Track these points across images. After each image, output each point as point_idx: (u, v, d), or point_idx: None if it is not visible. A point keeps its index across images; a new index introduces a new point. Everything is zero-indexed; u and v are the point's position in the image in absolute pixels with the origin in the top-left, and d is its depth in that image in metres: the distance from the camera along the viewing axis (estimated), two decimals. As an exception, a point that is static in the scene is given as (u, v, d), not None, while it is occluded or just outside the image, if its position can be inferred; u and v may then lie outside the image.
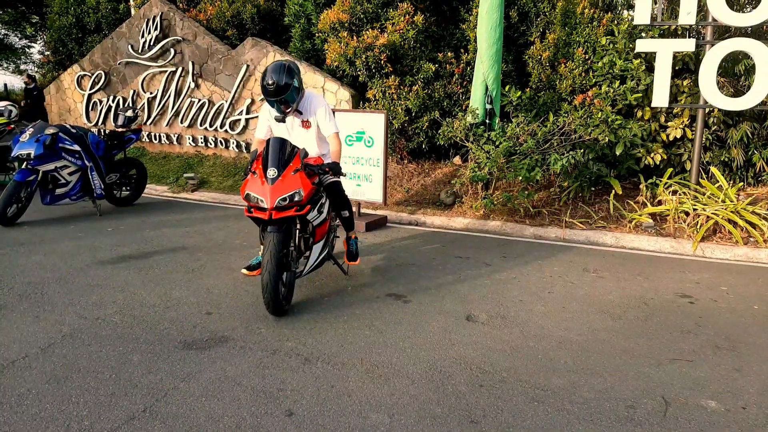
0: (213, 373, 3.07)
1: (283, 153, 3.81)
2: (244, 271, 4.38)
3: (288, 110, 4.10)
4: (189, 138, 9.93)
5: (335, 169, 4.00)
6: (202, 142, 9.77)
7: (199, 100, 9.68)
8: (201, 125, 9.68)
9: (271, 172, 3.71)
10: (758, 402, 2.87)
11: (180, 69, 9.87)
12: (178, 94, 9.96)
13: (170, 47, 9.93)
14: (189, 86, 9.79)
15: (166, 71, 10.04)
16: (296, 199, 3.71)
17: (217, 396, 2.85)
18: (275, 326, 3.69)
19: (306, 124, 4.28)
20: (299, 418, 2.67)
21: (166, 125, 10.18)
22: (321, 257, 4.29)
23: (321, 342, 3.47)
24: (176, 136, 10.12)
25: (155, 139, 10.38)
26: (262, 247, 4.14)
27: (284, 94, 3.98)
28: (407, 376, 3.08)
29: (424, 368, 3.17)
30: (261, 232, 4.02)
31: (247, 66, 9.04)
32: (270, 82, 3.93)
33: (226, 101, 9.31)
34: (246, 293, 4.28)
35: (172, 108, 10.02)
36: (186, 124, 9.87)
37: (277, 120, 4.16)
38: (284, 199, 3.67)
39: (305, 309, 3.99)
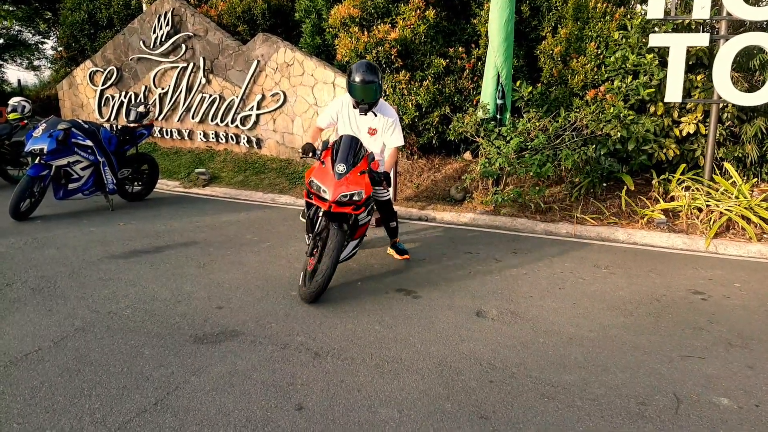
0: (223, 367, 3.09)
1: (353, 151, 4.00)
2: (303, 220, 4.81)
3: (366, 106, 4.45)
4: (200, 133, 9.97)
5: (387, 179, 4.35)
6: (213, 138, 9.81)
7: (210, 96, 9.71)
8: (212, 121, 9.71)
9: (340, 167, 3.89)
10: (772, 400, 2.84)
11: (191, 64, 9.90)
12: (189, 89, 10.00)
13: (181, 43, 9.96)
14: (200, 82, 9.82)
15: (177, 67, 10.07)
16: (355, 198, 3.89)
17: (227, 390, 2.87)
18: (285, 321, 3.70)
19: (372, 131, 4.58)
20: (309, 413, 2.68)
21: (178, 121, 10.23)
22: (353, 252, 4.57)
23: (331, 337, 3.48)
24: (187, 131, 10.16)
25: (167, 134, 10.43)
26: (306, 236, 4.44)
27: (372, 84, 4.36)
28: (417, 371, 3.08)
29: (434, 363, 3.17)
30: (308, 219, 4.32)
31: (258, 61, 9.05)
32: (359, 79, 4.31)
33: (237, 97, 9.33)
34: (256, 288, 4.30)
35: (184, 103, 10.06)
36: (197, 119, 9.91)
37: (363, 112, 4.47)
38: (345, 196, 3.85)
39: (315, 304, 4.00)
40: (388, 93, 7.79)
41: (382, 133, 4.59)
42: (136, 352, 3.26)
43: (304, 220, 4.80)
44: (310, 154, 4.16)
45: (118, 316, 3.77)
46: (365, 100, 4.41)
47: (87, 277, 4.53)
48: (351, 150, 3.99)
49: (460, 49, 7.70)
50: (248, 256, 5.11)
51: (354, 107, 4.50)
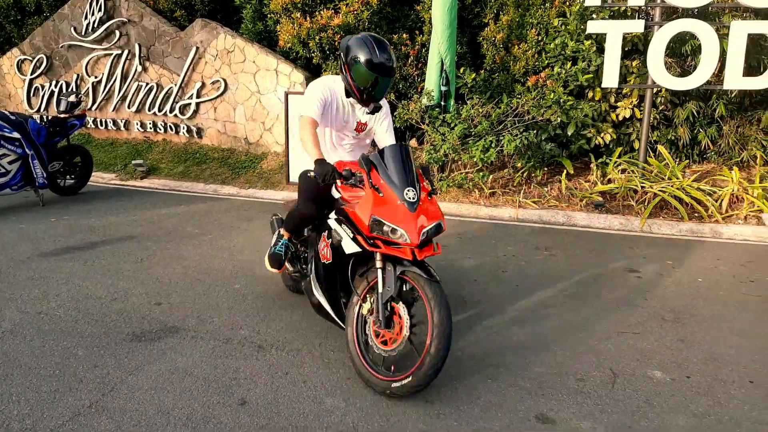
0: (163, 365, 2.99)
1: (410, 166, 2.85)
2: (274, 270, 3.60)
3: (379, 105, 3.21)
4: (137, 123, 9.59)
5: None
6: (150, 128, 9.46)
7: (147, 84, 9.35)
8: (149, 110, 9.36)
9: (411, 193, 2.73)
10: (701, 371, 2.98)
11: (126, 52, 9.50)
12: (124, 77, 9.60)
13: (115, 29, 9.54)
14: (136, 69, 9.44)
15: (111, 54, 9.65)
16: (434, 231, 2.77)
17: (166, 388, 2.77)
18: (228, 315, 3.61)
19: (362, 126, 3.31)
20: (252, 407, 2.63)
21: (113, 110, 9.81)
22: None
23: (275, 329, 3.42)
24: (123, 121, 9.76)
25: (101, 124, 9.99)
26: (324, 299, 3.11)
27: (393, 76, 3.13)
28: (363, 359, 3.07)
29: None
30: (329, 274, 3.06)
31: (197, 48, 8.76)
32: (375, 61, 2.94)
33: (176, 85, 9.02)
34: (198, 282, 4.17)
35: (119, 92, 9.65)
36: (133, 108, 9.53)
37: (373, 112, 3.19)
38: (425, 233, 2.70)
39: (260, 297, 3.93)
40: (332, 80, 7.69)
41: (373, 128, 3.34)
42: (69, 353, 3.11)
43: (270, 272, 3.59)
44: (339, 181, 2.81)
45: (49, 316, 3.59)
46: (376, 96, 3.09)
47: (15, 276, 4.29)
48: (408, 164, 2.84)
49: (404, 35, 7.67)
50: (189, 250, 4.96)
51: (347, 96, 3.19)
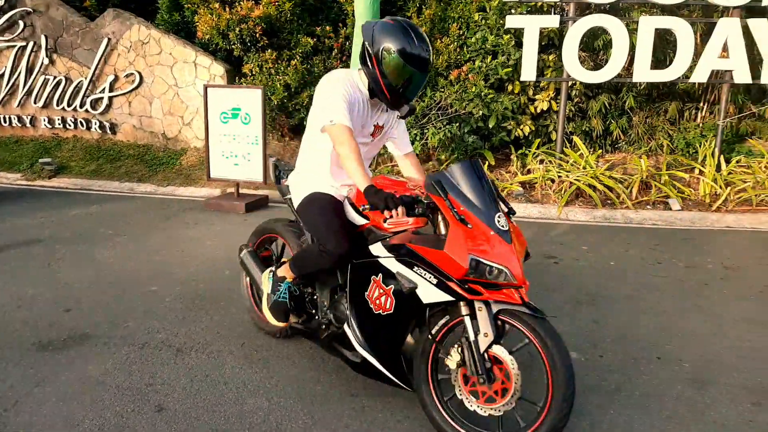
0: (72, 375, 2.82)
1: (489, 185, 2.33)
2: (281, 324, 2.96)
3: (414, 106, 2.73)
4: (44, 119, 8.99)
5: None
6: (59, 124, 8.89)
7: (55, 78, 8.77)
8: (58, 105, 8.79)
9: (502, 220, 2.24)
10: (613, 350, 3.14)
11: (31, 43, 8.87)
12: (29, 71, 8.96)
13: (18, 19, 8.90)
14: (42, 62, 8.83)
15: (15, 46, 8.98)
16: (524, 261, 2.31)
17: (76, 399, 2.62)
18: (144, 319, 3.45)
19: (378, 129, 2.76)
20: (170, 413, 2.52)
21: (17, 106, 9.14)
22: None
23: (195, 331, 3.30)
24: (29, 117, 9.12)
25: (5, 121, 9.29)
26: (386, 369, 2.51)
27: (429, 73, 2.70)
28: (287, 357, 3.02)
29: (305, 348, 3.11)
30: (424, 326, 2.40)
31: (109, 39, 8.32)
32: (424, 50, 2.42)
33: (86, 78, 8.52)
34: (111, 285, 3.96)
35: (24, 87, 9.00)
36: (40, 104, 8.92)
37: (406, 116, 2.64)
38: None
39: (178, 299, 3.78)
40: (254, 73, 7.51)
41: (388, 132, 2.84)
42: (-34, 367, 2.88)
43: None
44: (394, 210, 2.19)
45: (-57, 329, 3.30)
46: (408, 96, 2.51)
47: None
48: (486, 183, 2.32)
49: (328, 28, 7.60)
50: (101, 252, 4.70)
51: (371, 96, 2.59)
